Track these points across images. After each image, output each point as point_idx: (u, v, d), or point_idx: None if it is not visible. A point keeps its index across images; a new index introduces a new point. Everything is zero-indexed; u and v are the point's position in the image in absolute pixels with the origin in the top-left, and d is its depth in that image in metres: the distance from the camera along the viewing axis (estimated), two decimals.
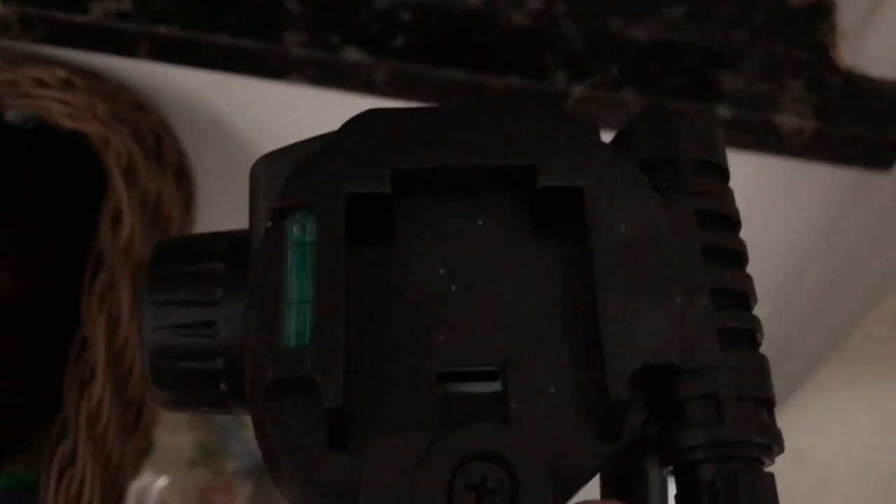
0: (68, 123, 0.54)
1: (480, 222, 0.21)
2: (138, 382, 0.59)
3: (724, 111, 0.49)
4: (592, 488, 0.20)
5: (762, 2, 0.52)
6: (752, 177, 0.53)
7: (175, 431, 0.95)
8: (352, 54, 0.49)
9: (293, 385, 0.19)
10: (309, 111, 0.53)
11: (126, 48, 0.52)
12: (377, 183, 0.20)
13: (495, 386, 0.20)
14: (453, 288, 0.21)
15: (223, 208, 0.65)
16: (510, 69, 0.50)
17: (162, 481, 0.92)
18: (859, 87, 0.49)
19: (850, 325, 0.56)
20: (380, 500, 0.18)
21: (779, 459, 0.20)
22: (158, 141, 0.58)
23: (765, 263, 0.62)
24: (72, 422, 0.54)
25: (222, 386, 0.23)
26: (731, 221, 0.21)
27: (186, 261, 0.23)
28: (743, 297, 0.21)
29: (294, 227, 0.21)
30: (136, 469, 0.65)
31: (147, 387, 0.24)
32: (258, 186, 0.23)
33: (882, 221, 0.52)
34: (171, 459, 0.94)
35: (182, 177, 0.61)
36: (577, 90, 0.49)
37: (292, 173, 0.21)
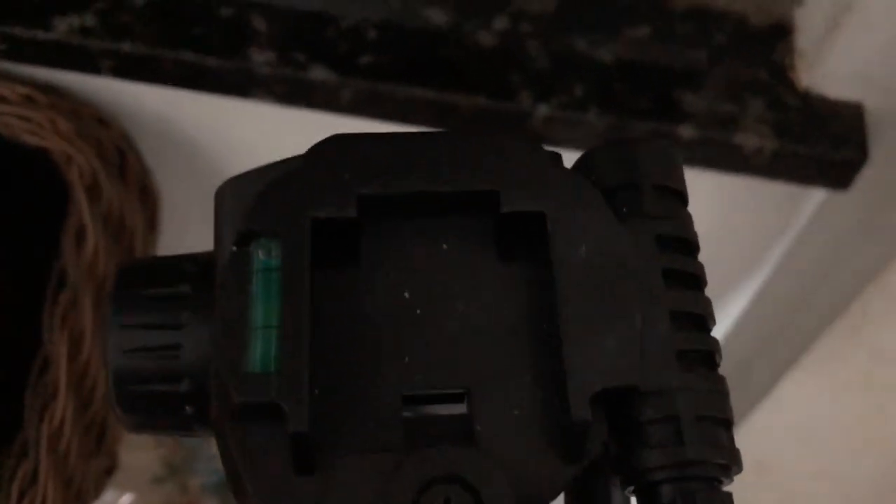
0: (30, 140, 0.54)
1: (445, 246, 0.22)
2: (101, 402, 0.59)
3: (686, 131, 0.50)
4: None
5: (723, 23, 0.53)
6: (713, 195, 0.54)
7: (140, 448, 0.94)
8: (318, 73, 0.50)
9: (258, 410, 0.19)
10: (274, 129, 0.54)
11: (89, 65, 0.51)
12: (343, 208, 0.21)
13: (461, 408, 0.21)
14: (418, 311, 0.21)
15: (188, 226, 0.65)
16: (476, 89, 0.50)
17: (126, 498, 0.91)
18: (817, 108, 0.50)
19: (810, 340, 0.57)
20: None
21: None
22: (122, 158, 0.57)
23: (725, 281, 0.63)
24: (33, 442, 0.54)
25: (187, 409, 0.23)
26: (690, 245, 0.22)
27: (152, 283, 0.23)
28: (702, 319, 0.21)
29: (259, 252, 0.21)
30: (99, 489, 0.64)
31: (111, 409, 0.24)
32: (223, 210, 0.23)
33: (841, 240, 0.53)
34: (135, 476, 0.93)
35: (146, 194, 0.60)
36: (542, 110, 0.50)
37: (257, 198, 0.21)
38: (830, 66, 0.50)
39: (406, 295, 0.21)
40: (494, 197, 0.21)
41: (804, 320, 0.57)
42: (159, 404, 0.23)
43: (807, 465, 0.62)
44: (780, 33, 0.52)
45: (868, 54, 0.49)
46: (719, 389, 0.20)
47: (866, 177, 0.50)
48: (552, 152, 0.22)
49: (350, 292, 0.21)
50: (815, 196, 0.54)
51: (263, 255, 0.21)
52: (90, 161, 0.54)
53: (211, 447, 0.99)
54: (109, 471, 0.67)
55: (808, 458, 0.62)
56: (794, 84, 0.51)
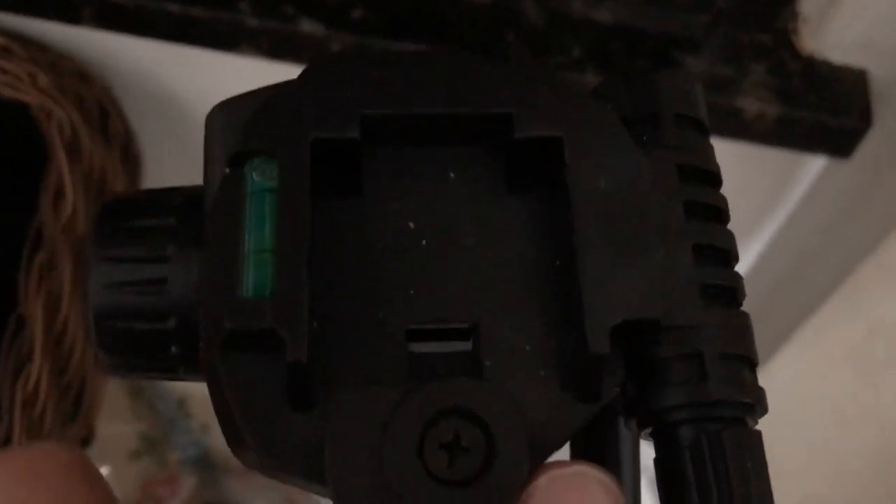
0: (7, 93, 0.52)
1: (453, 174, 0.20)
2: (78, 366, 0.57)
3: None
4: (561, 454, 0.19)
5: None
6: None
7: (117, 421, 0.92)
8: (307, 25, 0.48)
9: (252, 339, 0.18)
10: (261, 84, 0.52)
11: (69, 14, 0.49)
12: (344, 128, 0.19)
13: (467, 346, 0.19)
14: (423, 243, 0.20)
15: (171, 183, 0.63)
16: (470, 46, 0.49)
17: (102, 472, 0.89)
18: (821, 74, 0.49)
19: (806, 313, 0.56)
20: (346, 462, 0.17)
21: None
22: (104, 114, 0.56)
23: None
24: (6, 404, 0.52)
25: (173, 349, 0.21)
26: (713, 177, 0.21)
27: (136, 215, 0.22)
28: (725, 254, 0.20)
29: (254, 174, 0.19)
30: None
31: (92, 350, 0.22)
32: (214, 135, 0.21)
33: (840, 209, 0.52)
34: (112, 450, 0.91)
35: (128, 151, 0.59)
36: None
37: (252, 117, 0.20)
38: (835, 32, 0.49)
39: (411, 225, 0.20)
40: (508, 121, 0.20)
41: (800, 293, 0.56)
42: (143, 343, 0.21)
43: (798, 439, 0.61)
44: None
45: (873, 20, 0.48)
46: (743, 326, 0.19)
47: (869, 144, 0.49)
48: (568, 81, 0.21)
49: (351, 221, 0.20)
50: (816, 163, 0.53)
51: (258, 177, 0.19)
52: (71, 117, 0.52)
53: (190, 421, 0.98)
54: (86, 441, 0.65)
55: (800, 431, 0.61)
56: (798, 49, 0.50)
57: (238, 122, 0.20)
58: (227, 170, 0.19)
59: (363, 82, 0.20)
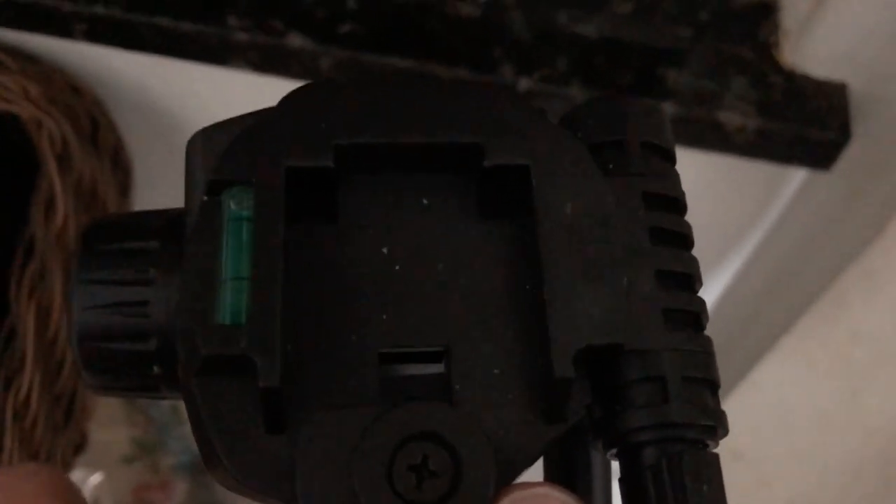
0: None
1: (425, 201, 0.21)
2: (70, 375, 0.57)
3: (668, 108, 0.49)
4: (535, 472, 0.20)
5: (707, 0, 0.52)
6: (694, 174, 0.54)
7: (110, 426, 0.92)
8: (296, 40, 0.49)
9: (227, 364, 0.18)
10: (251, 98, 0.52)
11: (62, 29, 0.50)
12: (319, 157, 0.20)
13: (439, 368, 0.20)
14: (397, 267, 0.20)
15: (161, 195, 0.63)
16: (457, 60, 0.49)
17: (95, 478, 0.90)
18: (801, 87, 0.50)
19: (789, 322, 0.57)
20: (317, 482, 0.18)
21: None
22: (94, 125, 0.56)
23: (703, 262, 0.63)
24: None
25: (155, 369, 0.22)
26: (678, 204, 0.21)
27: (119, 238, 0.23)
28: (688, 279, 0.20)
29: (231, 202, 0.20)
30: (68, 466, 0.63)
31: (76, 370, 0.23)
32: (195, 161, 0.22)
33: (821, 221, 0.53)
34: (105, 455, 0.91)
35: (118, 163, 0.59)
36: (524, 83, 0.49)
37: (229, 146, 0.20)
38: (815, 46, 0.49)
39: (384, 251, 0.20)
40: (477, 149, 0.20)
41: (783, 302, 0.57)
42: (126, 363, 0.22)
43: (782, 447, 0.62)
44: (765, 12, 0.52)
45: (853, 34, 0.49)
46: (706, 350, 0.20)
47: (848, 157, 0.49)
48: (537, 108, 0.21)
49: (325, 246, 0.20)
50: (797, 176, 0.53)
51: (235, 205, 0.20)
52: (62, 128, 0.53)
53: (182, 427, 0.98)
54: (78, 448, 0.66)
55: (784, 439, 0.62)
56: (779, 63, 0.51)
57: (217, 150, 0.21)
58: (205, 197, 0.20)
59: (337, 112, 0.20)
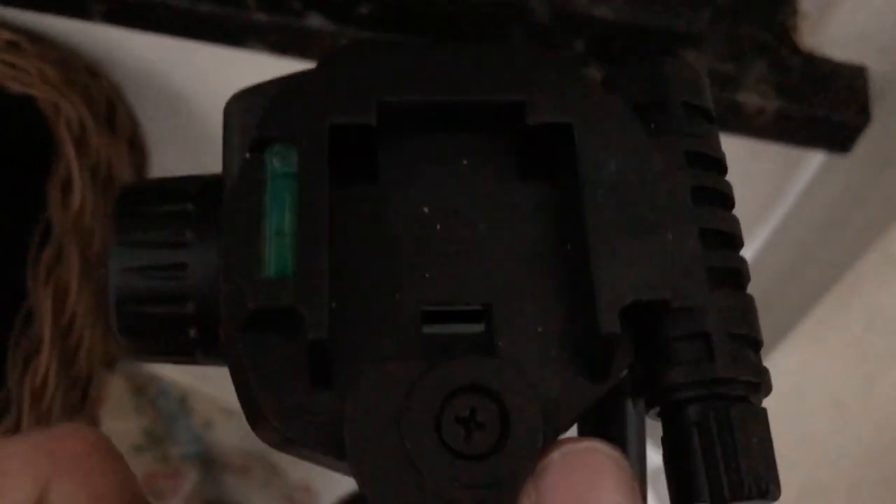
0: (16, 87, 0.52)
1: (466, 161, 0.21)
2: (86, 359, 0.57)
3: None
4: (569, 434, 0.20)
5: None
6: None
7: (120, 416, 0.93)
8: (314, 21, 0.48)
9: (273, 319, 0.18)
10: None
11: (78, 10, 0.50)
12: (362, 114, 0.20)
13: (480, 328, 0.20)
14: (438, 227, 0.20)
15: None
16: (475, 41, 0.49)
17: None
18: (820, 70, 0.50)
19: (805, 307, 0.56)
20: (365, 436, 0.18)
21: None
22: (111, 108, 0.56)
23: None
24: (15, 397, 0.52)
25: (192, 332, 0.22)
26: (719, 164, 0.21)
27: (156, 201, 0.23)
28: (731, 237, 0.20)
29: (273, 159, 0.20)
30: None
31: (111, 334, 0.23)
32: (233, 123, 0.22)
33: (839, 204, 0.53)
34: (115, 444, 0.92)
35: (135, 145, 0.59)
36: None
37: (272, 103, 0.20)
38: (834, 28, 0.49)
39: (425, 210, 0.20)
40: (520, 108, 0.20)
41: (800, 287, 0.57)
42: (162, 327, 0.22)
43: (796, 433, 0.62)
44: None
45: (872, 17, 0.48)
46: (748, 308, 0.20)
47: (867, 140, 0.49)
48: (578, 63, 0.21)
49: (367, 205, 0.20)
50: (816, 159, 0.53)
51: (278, 162, 0.20)
52: (78, 111, 0.53)
53: (192, 417, 0.98)
54: None
55: (798, 425, 0.62)
56: (798, 45, 0.51)
57: (257, 110, 0.21)
58: (248, 155, 0.20)
59: (380, 71, 0.20)
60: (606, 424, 0.22)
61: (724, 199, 0.21)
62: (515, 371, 0.18)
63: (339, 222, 0.20)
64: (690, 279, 0.19)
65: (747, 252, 0.61)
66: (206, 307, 0.21)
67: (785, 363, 0.58)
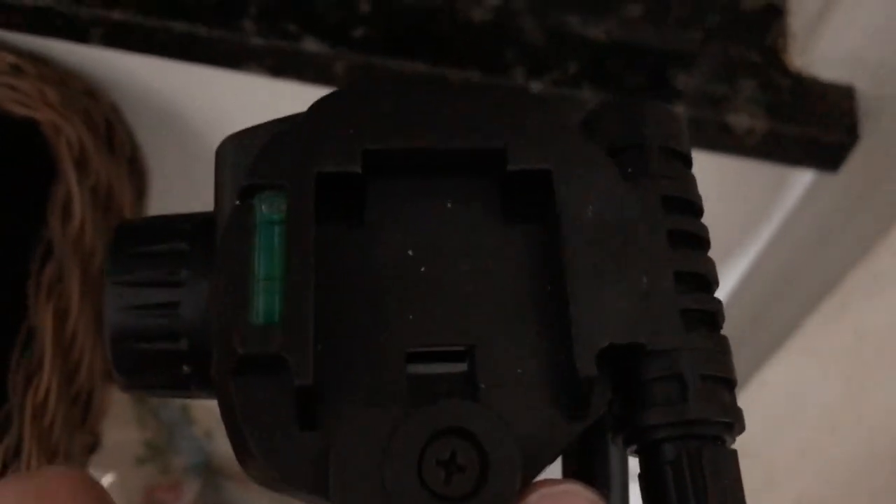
0: (17, 110, 0.53)
1: (450, 205, 0.22)
2: (87, 375, 0.58)
3: (679, 110, 0.50)
4: (554, 468, 0.21)
5: (716, 4, 0.53)
6: (702, 176, 0.54)
7: (122, 428, 0.93)
8: (310, 45, 0.49)
9: (261, 363, 0.19)
10: (266, 102, 0.53)
11: (78, 33, 0.51)
12: (348, 163, 0.20)
13: (463, 367, 0.20)
14: (422, 269, 0.21)
15: (176, 199, 0.64)
16: (469, 63, 0.50)
17: (107, 479, 0.90)
18: (809, 89, 0.51)
19: (796, 322, 0.57)
20: (349, 477, 0.18)
21: None
22: (111, 129, 0.57)
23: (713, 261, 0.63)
24: (16, 414, 0.53)
25: (185, 368, 0.23)
26: (695, 207, 0.22)
27: (150, 240, 0.23)
28: (705, 280, 0.21)
29: (263, 206, 0.20)
30: (82, 466, 0.64)
31: (108, 369, 0.24)
32: (225, 165, 0.22)
33: (828, 222, 0.53)
34: (117, 456, 0.92)
35: (134, 166, 0.60)
36: (535, 86, 0.50)
37: (261, 151, 0.21)
38: (822, 49, 0.50)
39: (410, 253, 0.21)
40: (500, 154, 0.21)
41: (790, 302, 0.58)
42: (157, 363, 0.23)
43: (790, 445, 0.63)
44: (773, 15, 0.53)
45: (860, 37, 0.49)
46: (722, 349, 0.20)
47: (856, 159, 0.50)
48: (557, 110, 0.22)
49: (354, 249, 0.21)
50: (805, 178, 0.54)
51: (267, 209, 0.20)
52: (78, 132, 0.54)
53: (193, 428, 0.99)
54: (92, 448, 0.66)
55: (792, 437, 0.62)
56: (787, 66, 0.51)
57: (248, 155, 0.21)
58: (238, 202, 0.21)
59: (365, 117, 0.21)
60: (589, 462, 0.22)
61: (700, 241, 0.21)
62: (494, 415, 0.18)
63: (326, 266, 0.20)
64: (665, 322, 0.20)
65: (738, 269, 0.62)
66: (199, 344, 0.22)
67: (776, 377, 0.58)
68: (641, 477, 0.20)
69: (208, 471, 0.99)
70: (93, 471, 0.88)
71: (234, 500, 1.00)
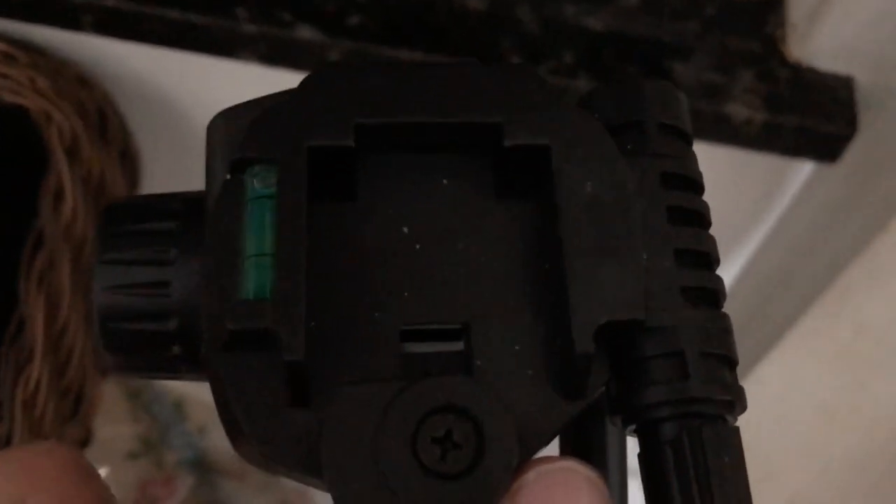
0: (8, 97, 0.53)
1: (445, 181, 0.21)
2: (78, 367, 0.58)
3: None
4: (551, 448, 0.20)
5: None
6: (701, 166, 0.54)
7: (115, 422, 0.93)
8: (304, 32, 0.49)
9: (251, 339, 0.18)
10: (259, 90, 0.52)
11: (70, 21, 0.50)
12: (340, 136, 0.20)
13: (459, 345, 0.20)
14: (417, 246, 0.21)
15: (169, 187, 0.63)
16: (465, 52, 0.50)
17: (100, 473, 0.90)
18: (807, 80, 0.50)
19: (794, 316, 0.57)
20: (341, 456, 0.18)
21: None
22: (103, 118, 0.56)
23: None
24: (7, 405, 0.53)
25: (175, 349, 0.22)
26: (695, 184, 0.21)
27: (139, 219, 0.23)
28: (706, 257, 0.21)
29: (254, 181, 0.20)
30: None
31: (97, 351, 0.23)
32: (215, 142, 0.22)
33: (827, 213, 0.53)
34: (110, 451, 0.92)
35: (127, 155, 0.59)
36: None
37: (252, 125, 0.20)
38: (822, 39, 0.50)
39: (404, 229, 0.21)
40: (498, 129, 0.20)
41: (788, 296, 0.57)
42: (146, 344, 0.22)
43: (786, 441, 0.62)
44: (772, 5, 0.52)
45: (859, 28, 0.49)
46: (724, 327, 0.20)
47: (855, 150, 0.50)
48: (556, 87, 0.21)
49: (347, 225, 0.21)
50: (803, 169, 0.53)
51: (258, 183, 0.20)
52: (70, 121, 0.53)
53: (186, 423, 0.98)
54: (84, 442, 0.66)
55: (788, 433, 0.62)
56: (785, 56, 0.51)
57: (239, 130, 0.21)
58: (228, 176, 0.20)
59: (358, 92, 0.21)
60: (587, 441, 0.22)
61: (701, 218, 0.21)
62: (491, 391, 0.18)
63: (318, 241, 0.20)
64: (665, 298, 0.20)
65: (736, 261, 0.61)
66: (189, 324, 0.22)
67: (774, 372, 0.58)
68: (640, 457, 0.20)
69: (202, 466, 0.98)
70: None
71: (228, 496, 0.99)
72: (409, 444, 0.17)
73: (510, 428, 0.18)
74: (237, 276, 0.19)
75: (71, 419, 0.59)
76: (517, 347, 0.20)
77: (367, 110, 0.20)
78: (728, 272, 0.62)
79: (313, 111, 0.20)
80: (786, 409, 0.62)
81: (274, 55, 0.50)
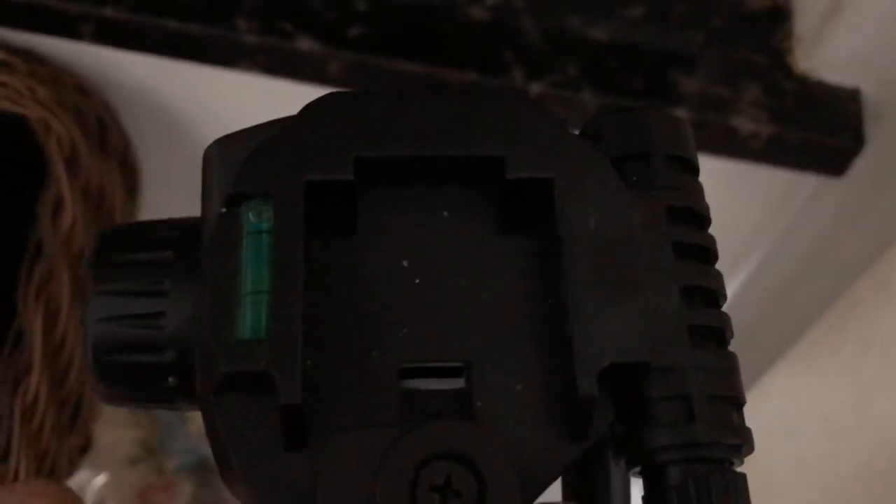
0: (7, 106, 0.52)
1: (446, 214, 0.21)
2: (76, 378, 0.57)
3: (680, 113, 0.49)
4: (554, 490, 0.20)
5: (719, 5, 0.52)
6: (705, 180, 0.53)
7: (115, 428, 0.92)
8: (305, 43, 0.48)
9: (247, 380, 0.18)
10: (259, 100, 0.52)
11: (69, 30, 0.50)
12: (339, 170, 0.19)
13: (459, 383, 0.20)
14: (417, 281, 0.20)
15: (168, 198, 0.63)
16: (467, 64, 0.49)
17: (100, 479, 0.89)
18: (814, 93, 0.50)
19: (799, 330, 0.56)
20: (339, 502, 0.17)
21: None
22: (102, 128, 0.56)
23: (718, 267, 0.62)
24: (6, 415, 0.52)
25: (170, 380, 0.22)
26: (702, 218, 0.21)
27: (134, 249, 0.22)
28: (713, 294, 0.20)
29: (250, 214, 0.20)
30: (73, 467, 0.63)
31: (90, 381, 0.23)
32: (211, 171, 0.21)
33: (833, 228, 0.53)
34: (110, 456, 0.91)
35: (126, 165, 0.59)
36: (535, 87, 0.49)
37: (249, 157, 0.20)
38: (828, 52, 0.49)
39: (404, 264, 0.20)
40: (500, 162, 0.20)
41: (793, 310, 0.57)
42: (141, 375, 0.22)
43: (790, 456, 0.62)
44: (779, 17, 0.52)
45: (866, 40, 0.48)
46: (731, 367, 0.19)
47: (861, 164, 0.49)
48: (558, 117, 0.21)
49: (345, 260, 0.20)
50: (809, 183, 0.53)
51: (254, 218, 0.19)
52: (69, 130, 0.53)
53: (187, 427, 0.98)
54: (84, 449, 0.66)
55: (792, 448, 0.61)
56: (792, 69, 0.50)
57: (235, 161, 0.20)
58: (224, 209, 0.20)
59: (357, 124, 0.20)
60: (590, 485, 0.21)
61: (707, 254, 0.20)
62: (491, 438, 0.17)
63: (316, 277, 0.20)
64: (671, 339, 0.19)
65: (741, 275, 0.61)
66: (184, 356, 0.21)
67: (778, 386, 0.58)
68: (645, 500, 0.19)
69: (202, 472, 0.98)
70: (85, 471, 0.87)
71: (228, 502, 0.99)
72: (408, 492, 0.17)
73: (511, 474, 0.17)
74: (232, 314, 0.18)
75: (70, 429, 0.59)
76: (519, 387, 0.19)
77: (367, 143, 0.20)
78: (731, 286, 0.62)
79: (312, 143, 0.20)
80: (790, 423, 0.62)
81: (274, 66, 0.49)
